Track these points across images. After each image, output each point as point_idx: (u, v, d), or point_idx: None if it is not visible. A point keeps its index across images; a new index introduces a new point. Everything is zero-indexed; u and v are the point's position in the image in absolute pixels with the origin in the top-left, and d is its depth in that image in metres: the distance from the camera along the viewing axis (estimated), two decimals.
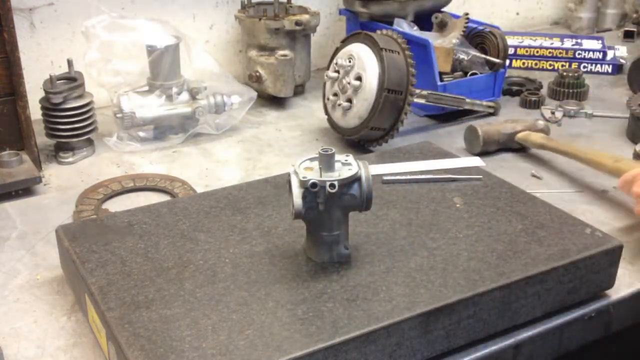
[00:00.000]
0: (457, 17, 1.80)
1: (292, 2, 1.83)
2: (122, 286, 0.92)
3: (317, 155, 0.94)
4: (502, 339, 0.97)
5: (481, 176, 1.22)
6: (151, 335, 0.83)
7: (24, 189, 1.34)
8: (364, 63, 1.42)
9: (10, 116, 1.40)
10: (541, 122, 1.53)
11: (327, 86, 1.54)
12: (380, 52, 1.41)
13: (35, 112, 1.44)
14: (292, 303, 0.89)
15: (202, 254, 0.99)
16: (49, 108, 1.44)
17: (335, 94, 1.50)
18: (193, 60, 1.60)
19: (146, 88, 1.55)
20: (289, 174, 0.94)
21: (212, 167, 1.47)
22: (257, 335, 0.83)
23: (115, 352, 0.85)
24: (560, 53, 2.07)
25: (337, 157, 0.94)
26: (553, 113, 1.72)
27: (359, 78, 1.42)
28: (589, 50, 2.05)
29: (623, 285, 1.08)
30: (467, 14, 1.78)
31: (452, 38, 1.74)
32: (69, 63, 1.47)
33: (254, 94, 1.65)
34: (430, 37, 1.72)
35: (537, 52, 2.08)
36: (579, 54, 2.06)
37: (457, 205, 1.13)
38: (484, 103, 1.70)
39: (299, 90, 1.84)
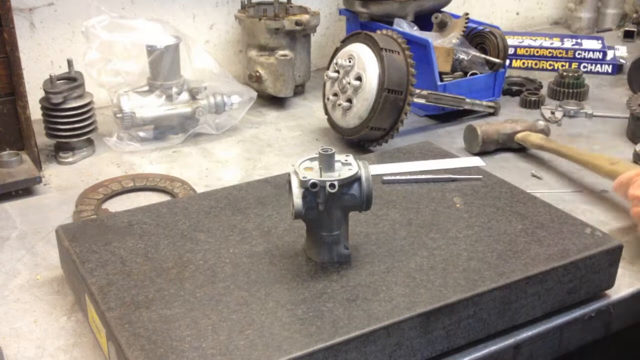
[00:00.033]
0: (457, 17, 1.80)
1: (292, 2, 1.83)
2: (122, 286, 0.92)
3: (317, 155, 0.94)
4: (502, 339, 0.97)
5: (481, 176, 1.22)
6: (151, 335, 0.83)
7: (24, 189, 1.34)
8: (364, 63, 1.42)
9: (10, 116, 1.40)
10: (541, 123, 1.53)
11: (327, 86, 1.54)
12: (380, 52, 1.41)
13: (35, 112, 1.44)
14: (292, 303, 0.89)
15: (202, 254, 0.99)
16: (49, 108, 1.44)
17: (335, 94, 1.50)
18: (193, 60, 1.60)
19: (146, 88, 1.55)
20: (289, 174, 0.94)
21: (212, 167, 1.47)
22: (257, 335, 0.83)
23: (115, 352, 0.85)
24: (560, 53, 2.07)
25: (337, 157, 0.94)
26: (553, 113, 1.72)
27: (359, 78, 1.42)
28: (589, 50, 2.05)
29: (623, 285, 1.08)
30: (467, 14, 1.78)
31: (452, 38, 1.74)
32: (69, 63, 1.47)
33: (254, 94, 1.65)
34: (430, 37, 1.72)
35: (537, 52, 2.08)
36: (579, 54, 2.06)
37: (457, 205, 1.13)
38: (484, 103, 1.70)
39: (299, 90, 1.84)
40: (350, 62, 1.45)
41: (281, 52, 1.71)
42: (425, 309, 0.88)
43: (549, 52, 2.07)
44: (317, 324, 0.85)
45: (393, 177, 1.21)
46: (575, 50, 2.06)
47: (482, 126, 1.50)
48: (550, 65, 2.07)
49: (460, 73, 1.73)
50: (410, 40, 1.58)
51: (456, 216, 1.09)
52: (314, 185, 0.90)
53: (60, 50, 1.68)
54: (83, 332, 0.98)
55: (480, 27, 1.79)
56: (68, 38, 1.68)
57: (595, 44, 2.09)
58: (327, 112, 1.57)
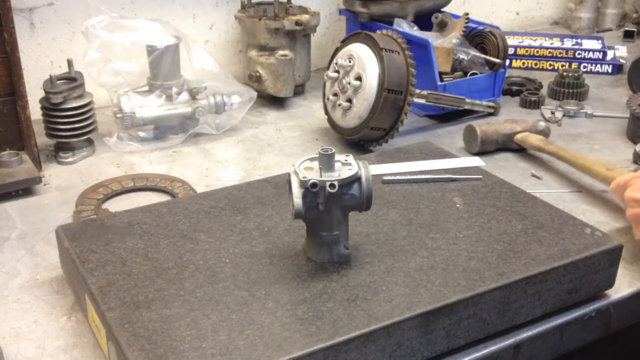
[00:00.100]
0: (457, 17, 1.80)
1: (292, 2, 1.83)
2: (122, 286, 0.92)
3: (317, 155, 0.94)
4: (502, 339, 0.97)
5: (481, 176, 1.22)
6: (151, 335, 0.83)
7: (24, 189, 1.34)
8: (364, 63, 1.42)
9: (10, 116, 1.40)
10: (542, 123, 1.53)
11: (327, 86, 1.54)
12: (380, 52, 1.41)
13: (35, 112, 1.44)
14: (292, 303, 0.89)
15: (202, 254, 0.99)
16: (49, 108, 1.44)
17: (335, 94, 1.50)
18: (193, 60, 1.60)
19: (146, 88, 1.55)
20: (289, 174, 0.94)
21: (212, 167, 1.47)
22: (257, 335, 0.83)
23: (115, 352, 0.85)
24: (560, 53, 2.07)
25: (337, 157, 0.94)
26: (553, 113, 1.72)
27: (359, 78, 1.42)
28: (589, 50, 2.05)
29: (623, 285, 1.08)
30: (467, 14, 1.78)
31: (452, 38, 1.74)
32: (69, 63, 1.47)
33: (254, 94, 1.65)
34: (430, 37, 1.72)
35: (537, 52, 2.08)
36: (579, 54, 2.06)
37: (457, 205, 1.13)
38: (484, 103, 1.70)
39: (299, 90, 1.84)
40: (350, 62, 1.45)
41: (281, 52, 1.71)
42: (425, 309, 0.88)
43: (549, 52, 2.08)
44: (317, 324, 0.85)
45: (393, 177, 1.21)
46: (575, 50, 2.06)
47: (482, 126, 1.50)
48: (550, 65, 2.07)
49: (460, 73, 1.73)
50: (410, 40, 1.58)
51: (456, 216, 1.09)
52: (314, 185, 0.90)
53: (60, 50, 1.68)
54: (83, 332, 0.98)
55: (480, 27, 1.79)
56: (68, 38, 1.69)
57: (595, 44, 2.09)
58: (327, 112, 1.57)
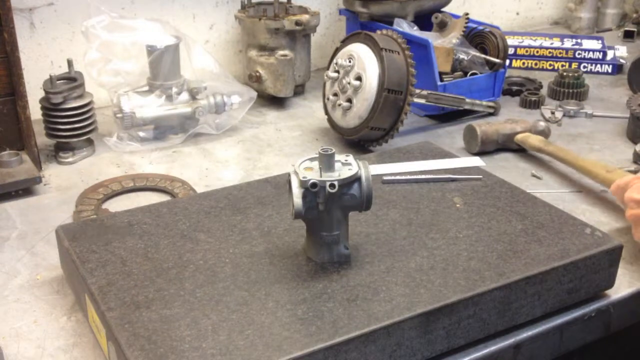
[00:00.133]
0: (457, 17, 1.80)
1: (292, 2, 1.83)
2: (122, 286, 0.92)
3: (317, 155, 0.94)
4: (502, 339, 0.97)
5: (481, 176, 1.22)
6: (151, 335, 0.83)
7: (24, 189, 1.34)
8: (364, 63, 1.42)
9: (10, 116, 1.40)
10: (542, 124, 1.53)
11: (327, 86, 1.54)
12: (380, 52, 1.41)
13: (35, 112, 1.44)
14: (292, 303, 0.89)
15: (202, 254, 0.99)
16: (49, 108, 1.44)
17: (335, 94, 1.50)
18: (193, 60, 1.60)
19: (146, 88, 1.55)
20: (289, 174, 0.94)
21: (212, 167, 1.47)
22: (257, 335, 0.83)
23: (115, 352, 0.85)
24: (560, 53, 2.07)
25: (337, 157, 0.94)
26: (553, 113, 1.72)
27: (359, 78, 1.42)
28: (589, 50, 2.05)
29: (623, 285, 1.08)
30: (467, 14, 1.78)
31: (452, 38, 1.74)
32: (69, 63, 1.47)
33: (254, 94, 1.65)
34: (430, 37, 1.72)
35: (537, 52, 2.08)
36: (579, 54, 2.06)
37: (457, 205, 1.13)
38: (484, 103, 1.70)
39: (299, 90, 1.84)
40: (350, 62, 1.45)
41: (281, 52, 1.71)
42: (425, 309, 0.88)
43: (549, 52, 2.08)
44: (317, 324, 0.85)
45: (393, 177, 1.21)
46: (575, 50, 2.06)
47: (482, 126, 1.50)
48: (550, 65, 2.07)
49: (460, 73, 1.73)
50: (410, 40, 1.58)
51: (456, 216, 1.09)
52: (314, 185, 0.90)
53: (60, 50, 1.68)
54: (83, 332, 0.98)
55: (480, 27, 1.79)
56: (68, 38, 1.69)
57: (595, 44, 2.09)
58: (327, 112, 1.57)
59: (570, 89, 1.81)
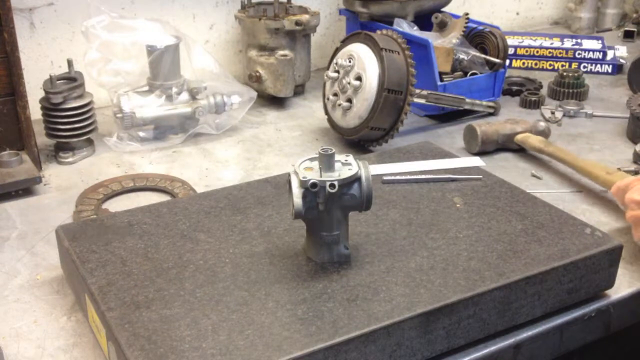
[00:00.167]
0: (457, 17, 1.80)
1: (292, 2, 1.83)
2: (122, 286, 0.92)
3: (317, 155, 0.94)
4: (502, 339, 0.97)
5: (481, 176, 1.22)
6: (151, 335, 0.83)
7: (24, 189, 1.34)
8: (364, 63, 1.42)
9: (10, 116, 1.40)
10: (542, 124, 1.53)
11: (327, 86, 1.54)
12: (380, 52, 1.41)
13: (35, 112, 1.44)
14: (292, 303, 0.89)
15: (202, 254, 0.99)
16: (49, 108, 1.44)
17: (335, 94, 1.50)
18: (193, 60, 1.60)
19: (146, 88, 1.55)
20: (289, 174, 0.94)
21: (212, 167, 1.47)
22: (257, 335, 0.83)
23: (115, 352, 0.85)
24: (560, 53, 2.07)
25: (337, 157, 0.94)
26: (553, 113, 1.72)
27: (359, 78, 1.42)
28: (589, 50, 2.05)
29: (623, 285, 1.08)
30: (467, 14, 1.78)
31: (452, 38, 1.74)
32: (69, 63, 1.47)
33: (254, 94, 1.65)
34: (430, 37, 1.72)
35: (537, 52, 2.08)
36: (579, 54, 2.06)
37: (457, 205, 1.13)
38: (484, 103, 1.70)
39: (299, 90, 1.84)
40: (350, 62, 1.45)
41: (281, 52, 1.71)
42: (425, 309, 0.88)
43: (549, 52, 2.08)
44: (317, 324, 0.85)
45: (393, 177, 1.21)
46: (575, 50, 2.06)
47: (482, 126, 1.50)
48: (550, 65, 2.07)
49: (460, 73, 1.73)
50: (410, 40, 1.58)
51: (456, 216, 1.09)
52: (314, 185, 0.90)
53: (60, 50, 1.68)
54: (83, 332, 0.98)
55: (480, 27, 1.79)
56: (68, 38, 1.69)
57: (595, 44, 2.09)
58: (327, 112, 1.57)
59: (570, 89, 1.81)
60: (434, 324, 0.89)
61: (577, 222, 1.08)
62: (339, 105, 1.47)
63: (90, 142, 1.52)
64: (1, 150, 1.40)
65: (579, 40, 2.13)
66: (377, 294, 0.91)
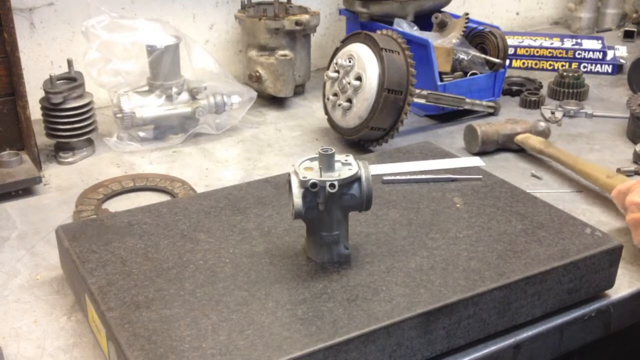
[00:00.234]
0: (457, 17, 1.80)
1: (292, 2, 1.83)
2: (122, 286, 0.92)
3: (317, 155, 0.94)
4: (502, 339, 0.97)
5: (481, 176, 1.22)
6: (151, 335, 0.83)
7: (24, 189, 1.34)
8: (364, 63, 1.42)
9: (10, 116, 1.40)
10: (542, 124, 1.53)
11: (327, 86, 1.54)
12: (380, 52, 1.41)
13: (35, 112, 1.44)
14: (292, 303, 0.89)
15: (202, 254, 0.99)
16: (49, 108, 1.44)
17: (335, 94, 1.50)
18: (193, 60, 1.60)
19: (146, 88, 1.55)
20: (289, 174, 0.94)
21: (212, 167, 1.47)
22: (257, 335, 0.83)
23: (115, 352, 0.85)
24: (560, 53, 2.07)
25: (337, 157, 0.94)
26: (553, 113, 1.72)
27: (359, 78, 1.42)
28: (589, 50, 2.05)
29: (623, 285, 1.08)
30: (467, 14, 1.78)
31: (452, 38, 1.74)
32: (69, 63, 1.47)
33: (254, 94, 1.65)
34: (430, 37, 1.72)
35: (537, 52, 2.08)
36: (579, 54, 2.06)
37: (457, 205, 1.13)
38: (484, 103, 1.70)
39: (299, 90, 1.84)
40: (350, 62, 1.45)
41: (281, 52, 1.71)
42: (425, 309, 0.88)
43: (549, 52, 2.07)
44: (317, 324, 0.85)
45: (393, 177, 1.21)
46: (575, 50, 2.06)
47: (482, 126, 1.50)
48: (550, 65, 2.06)
49: (460, 73, 1.73)
50: (410, 40, 1.58)
51: (456, 216, 1.09)
52: (314, 185, 0.90)
53: (60, 50, 1.68)
54: (83, 332, 0.98)
55: (480, 27, 1.79)
56: (68, 38, 1.69)
57: (595, 44, 2.09)
58: (327, 112, 1.57)
59: (570, 89, 1.81)
60: (434, 324, 0.89)
61: (577, 222, 1.08)
62: (339, 105, 1.47)
63: (90, 142, 1.52)
64: (1, 150, 1.40)
65: (579, 40, 2.13)
66: (377, 294, 0.91)
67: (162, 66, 1.52)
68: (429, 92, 1.57)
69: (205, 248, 1.01)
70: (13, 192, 1.33)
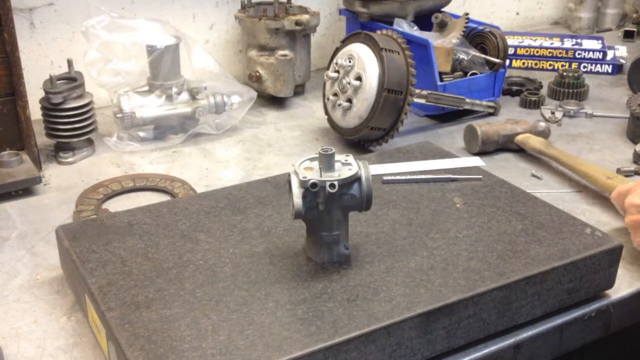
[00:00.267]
0: (457, 17, 1.80)
1: (292, 2, 1.83)
2: (122, 286, 0.92)
3: (317, 155, 0.94)
4: (502, 339, 0.97)
5: (481, 176, 1.22)
6: (151, 335, 0.83)
7: (24, 189, 1.34)
8: (364, 63, 1.42)
9: (10, 116, 1.40)
10: (542, 124, 1.53)
11: (327, 86, 1.54)
12: (380, 52, 1.41)
13: (35, 112, 1.44)
14: (292, 303, 0.89)
15: (202, 254, 0.99)
16: (49, 108, 1.44)
17: (335, 94, 1.50)
18: (193, 60, 1.60)
19: (146, 88, 1.55)
20: (289, 174, 0.94)
21: (212, 167, 1.47)
22: (257, 335, 0.83)
23: (115, 352, 0.85)
24: (560, 53, 2.07)
25: (337, 157, 0.94)
26: (553, 113, 1.72)
27: (359, 78, 1.42)
28: (589, 50, 2.05)
29: (623, 285, 1.08)
30: (467, 14, 1.78)
31: (452, 38, 1.74)
32: (69, 63, 1.47)
33: (254, 94, 1.65)
34: (430, 37, 1.72)
35: (537, 52, 2.08)
36: (579, 54, 2.06)
37: (457, 205, 1.13)
38: (484, 103, 1.70)
39: (299, 90, 1.84)
40: (350, 62, 1.45)
41: (281, 52, 1.71)
42: (425, 309, 0.88)
43: (549, 52, 2.07)
44: (317, 324, 0.85)
45: (393, 177, 1.21)
46: (575, 50, 2.06)
47: (482, 126, 1.50)
48: (550, 65, 2.07)
49: (460, 73, 1.73)
50: (410, 40, 1.58)
51: (456, 216, 1.09)
52: (314, 185, 0.90)
53: (60, 50, 1.68)
54: (83, 332, 0.98)
55: (480, 27, 1.79)
56: (68, 38, 1.69)
57: (595, 44, 2.09)
58: (327, 112, 1.57)
59: (570, 89, 1.81)
60: (434, 324, 0.89)
61: (577, 222, 1.08)
62: (339, 105, 1.47)
63: (90, 142, 1.52)
64: (1, 150, 1.40)
65: (579, 40, 2.13)
66: (377, 294, 0.91)
67: (162, 66, 1.52)
68: (429, 92, 1.57)
69: (205, 248, 1.01)
70: (13, 192, 1.33)
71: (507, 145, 1.51)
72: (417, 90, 1.50)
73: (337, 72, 1.48)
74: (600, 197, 1.34)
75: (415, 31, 1.76)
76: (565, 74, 1.82)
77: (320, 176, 0.92)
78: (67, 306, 1.03)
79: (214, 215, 1.09)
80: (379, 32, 1.52)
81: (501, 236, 1.04)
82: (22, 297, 1.05)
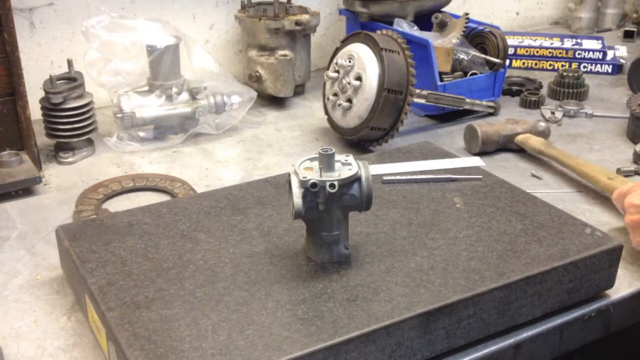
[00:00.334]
0: (457, 17, 1.80)
1: (292, 2, 1.83)
2: (122, 286, 0.92)
3: (317, 155, 0.94)
4: (502, 339, 0.97)
5: (481, 176, 1.22)
6: (151, 335, 0.83)
7: (24, 189, 1.34)
8: (364, 63, 1.42)
9: (10, 116, 1.40)
10: (542, 124, 1.53)
11: (327, 86, 1.54)
12: (380, 52, 1.41)
13: (35, 112, 1.44)
14: (292, 303, 0.89)
15: (202, 254, 0.99)
16: (49, 108, 1.44)
17: (335, 94, 1.50)
18: (193, 60, 1.60)
19: (146, 88, 1.55)
20: (289, 174, 0.94)
21: (212, 167, 1.47)
22: (257, 335, 0.83)
23: (115, 352, 0.85)
24: (560, 53, 2.07)
25: (337, 157, 0.94)
26: (553, 113, 1.72)
27: (359, 78, 1.42)
28: (589, 50, 2.05)
29: (623, 285, 1.08)
30: (467, 14, 1.78)
31: (452, 38, 1.74)
32: (69, 63, 1.47)
33: (254, 94, 1.65)
34: (430, 37, 1.72)
35: (537, 52, 2.08)
36: (579, 54, 2.06)
37: (457, 205, 1.13)
38: (484, 103, 1.70)
39: (299, 90, 1.84)
40: (350, 62, 1.45)
41: (281, 52, 1.71)
42: (425, 309, 0.88)
43: (549, 52, 2.08)
44: (317, 324, 0.85)
45: (393, 177, 1.21)
46: (575, 50, 2.06)
47: (483, 126, 1.50)
48: (550, 65, 2.07)
49: (460, 73, 1.73)
50: (410, 40, 1.58)
51: (456, 216, 1.09)
52: (314, 185, 0.90)
53: (60, 50, 1.68)
54: (83, 332, 0.98)
55: (480, 27, 1.79)
56: (68, 38, 1.69)
57: (595, 44, 2.09)
58: (327, 112, 1.57)
59: (570, 89, 1.81)
60: (434, 324, 0.89)
61: (577, 222, 1.08)
62: (339, 105, 1.47)
63: (90, 142, 1.52)
64: (1, 150, 1.40)
65: (579, 40, 2.13)
66: (377, 294, 0.91)
67: (162, 66, 1.52)
68: (429, 92, 1.57)
69: (205, 248, 1.01)
70: (13, 192, 1.33)
71: (507, 145, 1.51)
72: (417, 90, 1.50)
73: (337, 72, 1.48)
74: (600, 197, 1.34)
75: (415, 31, 1.76)
76: (565, 74, 1.82)
77: (320, 176, 0.92)
78: (67, 306, 1.03)
79: (214, 215, 1.09)
80: (379, 32, 1.52)
81: (501, 236, 1.04)
82: (22, 297, 1.05)
